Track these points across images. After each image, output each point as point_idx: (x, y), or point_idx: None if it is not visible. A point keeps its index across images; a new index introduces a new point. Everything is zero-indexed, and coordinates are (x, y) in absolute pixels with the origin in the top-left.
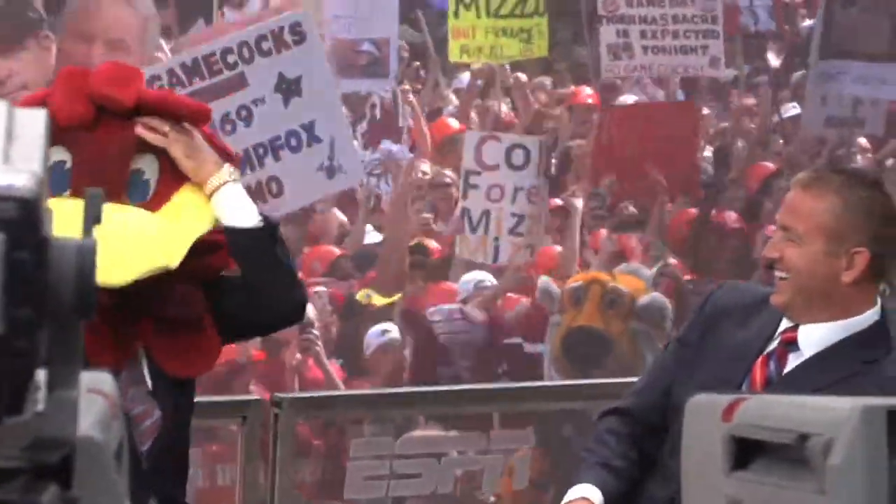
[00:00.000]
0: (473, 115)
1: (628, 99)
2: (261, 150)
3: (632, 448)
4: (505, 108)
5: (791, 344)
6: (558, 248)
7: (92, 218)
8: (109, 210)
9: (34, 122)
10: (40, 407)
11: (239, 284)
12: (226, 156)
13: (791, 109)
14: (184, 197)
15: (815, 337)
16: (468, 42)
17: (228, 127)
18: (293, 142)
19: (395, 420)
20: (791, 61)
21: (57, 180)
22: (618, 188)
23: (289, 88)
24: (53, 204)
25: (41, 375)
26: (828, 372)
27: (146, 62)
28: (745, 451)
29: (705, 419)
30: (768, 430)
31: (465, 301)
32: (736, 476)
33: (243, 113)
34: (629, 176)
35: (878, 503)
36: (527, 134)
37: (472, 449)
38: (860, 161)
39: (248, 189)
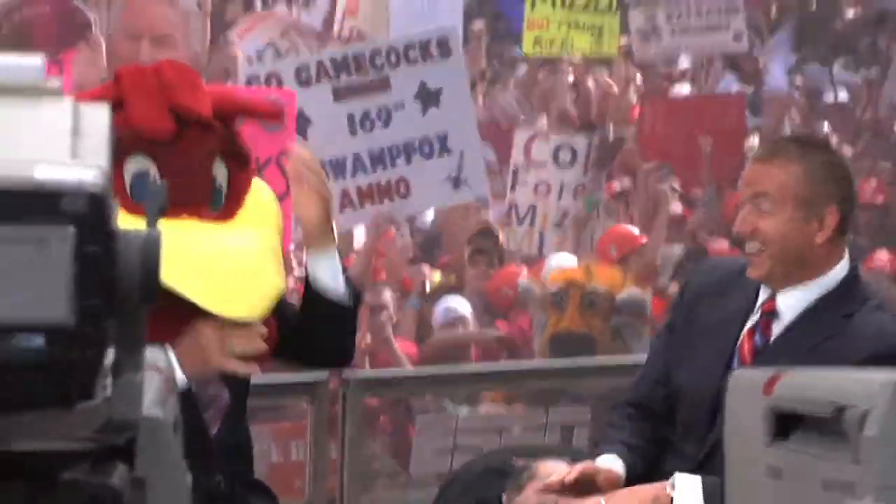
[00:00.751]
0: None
1: (682, 90)
2: (395, 152)
3: (645, 431)
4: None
5: (771, 313)
6: (634, 230)
7: (156, 210)
8: (208, 232)
9: (98, 117)
10: (108, 392)
11: (296, 319)
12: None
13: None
14: (253, 200)
15: (793, 301)
16: (542, 34)
17: (368, 125)
18: (426, 149)
19: (459, 396)
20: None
21: (142, 189)
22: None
23: (428, 98)
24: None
25: (108, 361)
26: (810, 334)
27: (190, 57)
28: (785, 423)
29: (747, 393)
30: (807, 403)
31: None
32: (776, 446)
33: (383, 115)
34: (676, 166)
35: None
36: (582, 129)
37: (533, 425)
38: None
39: (378, 186)
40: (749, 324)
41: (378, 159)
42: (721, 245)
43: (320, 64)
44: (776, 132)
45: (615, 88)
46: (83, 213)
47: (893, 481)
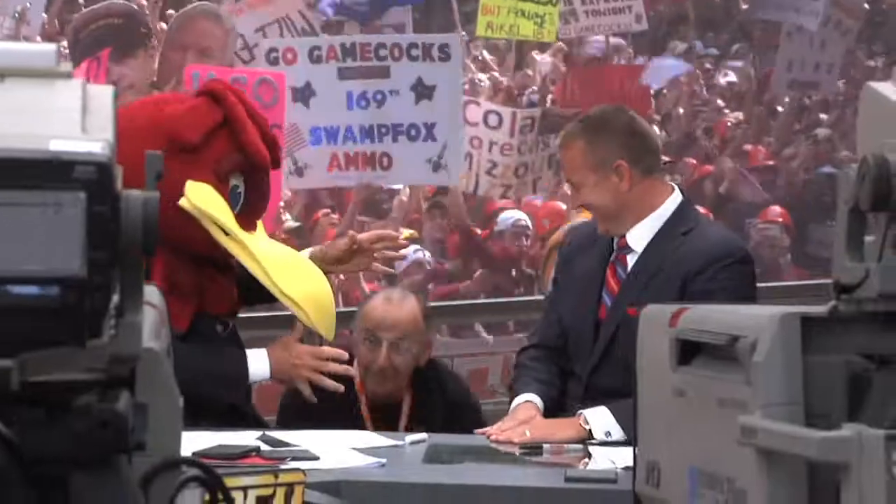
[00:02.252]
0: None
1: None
2: (383, 129)
3: (551, 365)
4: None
5: (624, 248)
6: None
7: (154, 175)
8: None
9: (104, 97)
10: (114, 331)
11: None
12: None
13: (729, 75)
14: None
15: (638, 235)
16: (493, 19)
17: (363, 103)
18: (413, 132)
19: None
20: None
21: (234, 200)
22: None
23: (423, 91)
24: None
25: (113, 304)
26: (658, 255)
27: (226, 65)
28: (687, 351)
29: (656, 325)
30: (706, 333)
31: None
32: (680, 371)
33: (378, 96)
34: None
35: (793, 392)
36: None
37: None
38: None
39: (364, 155)
40: (609, 261)
41: (367, 133)
42: None
43: (331, 47)
44: (675, 103)
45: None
46: (92, 180)
47: (777, 399)
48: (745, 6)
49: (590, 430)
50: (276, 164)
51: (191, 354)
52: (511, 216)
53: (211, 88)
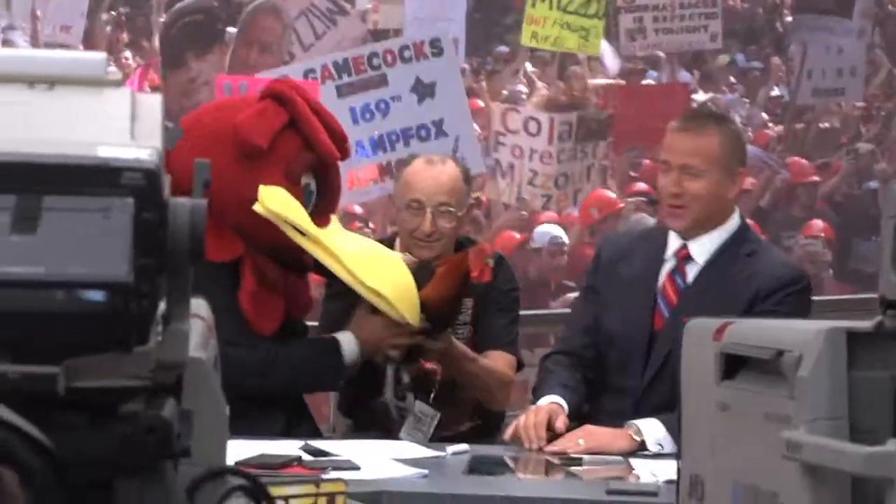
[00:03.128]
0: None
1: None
2: (393, 137)
3: (578, 373)
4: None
5: (686, 258)
6: (612, 194)
7: (202, 183)
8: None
9: (153, 105)
10: (160, 337)
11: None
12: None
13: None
14: None
15: (703, 247)
16: (538, 29)
17: (368, 115)
18: (423, 133)
19: None
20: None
21: (307, 198)
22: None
23: (424, 90)
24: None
25: (160, 311)
26: (722, 272)
27: (281, 61)
28: (732, 365)
29: (700, 339)
30: (751, 347)
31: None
32: (724, 385)
33: (382, 106)
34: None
35: (837, 407)
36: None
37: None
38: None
39: (381, 167)
40: (666, 270)
41: (378, 144)
42: None
43: (325, 66)
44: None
45: (588, 79)
46: (140, 186)
47: (821, 414)
48: (781, 26)
49: (642, 442)
50: (346, 154)
51: (291, 354)
52: (547, 232)
53: (274, 90)
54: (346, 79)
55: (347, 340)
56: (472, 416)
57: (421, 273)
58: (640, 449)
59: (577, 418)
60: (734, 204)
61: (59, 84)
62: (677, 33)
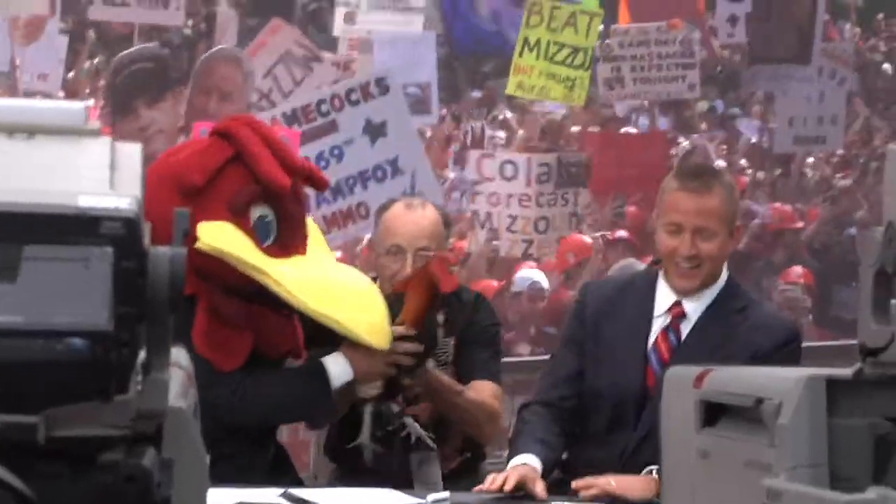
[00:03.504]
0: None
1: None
2: (351, 181)
3: (556, 426)
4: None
5: (679, 316)
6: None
7: (182, 232)
8: (326, 266)
9: (132, 155)
10: (139, 387)
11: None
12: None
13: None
14: (311, 232)
15: (697, 304)
16: (525, 79)
17: (323, 163)
18: (379, 174)
19: None
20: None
21: (264, 231)
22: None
23: (375, 131)
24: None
25: (140, 360)
26: (716, 328)
27: (244, 109)
28: (712, 412)
29: (680, 387)
30: (731, 395)
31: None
32: (705, 432)
33: (335, 152)
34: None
35: (818, 454)
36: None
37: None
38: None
39: (341, 213)
40: (659, 326)
41: (337, 191)
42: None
43: (275, 119)
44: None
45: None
46: (120, 235)
47: (802, 461)
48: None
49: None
50: (319, 185)
51: (262, 383)
52: (528, 277)
53: (220, 127)
54: (295, 128)
55: (336, 362)
56: (461, 450)
57: (395, 303)
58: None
59: (557, 466)
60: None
61: (39, 133)
62: (655, 83)
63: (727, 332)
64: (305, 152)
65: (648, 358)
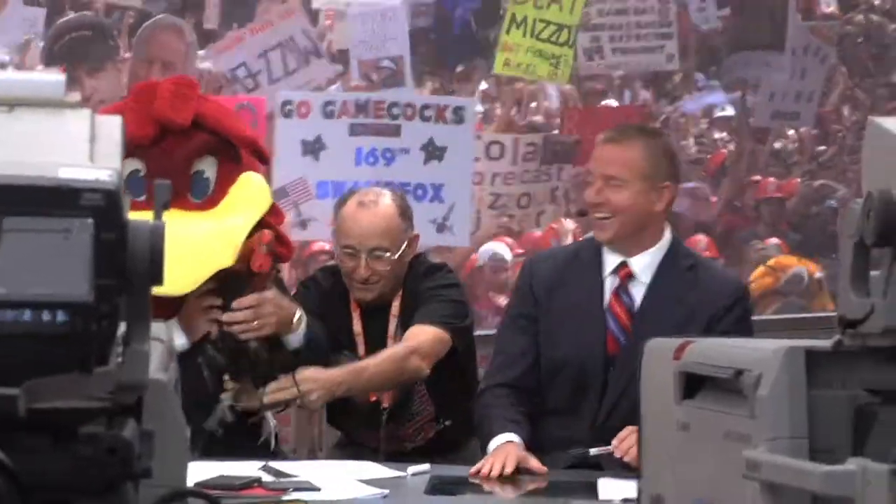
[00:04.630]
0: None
1: (611, 104)
2: (390, 188)
3: (520, 406)
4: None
5: (628, 278)
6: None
7: (161, 204)
8: (170, 220)
9: (112, 127)
10: (120, 358)
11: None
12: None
13: (727, 109)
14: (238, 189)
15: (644, 264)
16: (511, 56)
17: (372, 160)
18: (419, 192)
19: None
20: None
21: (134, 186)
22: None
23: (433, 151)
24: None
25: (120, 332)
26: (669, 287)
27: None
28: (692, 384)
29: (659, 359)
30: (710, 367)
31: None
32: (684, 404)
33: (388, 154)
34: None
35: (797, 426)
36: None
37: None
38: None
39: None
40: (610, 289)
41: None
42: None
43: (345, 103)
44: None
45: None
46: (100, 207)
47: (781, 433)
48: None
49: None
50: (242, 142)
51: None
52: (489, 249)
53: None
54: (361, 118)
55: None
56: (435, 418)
57: (234, 283)
58: None
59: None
60: (664, 218)
61: (19, 106)
62: (635, 53)
63: (681, 292)
64: (359, 144)
65: (606, 323)
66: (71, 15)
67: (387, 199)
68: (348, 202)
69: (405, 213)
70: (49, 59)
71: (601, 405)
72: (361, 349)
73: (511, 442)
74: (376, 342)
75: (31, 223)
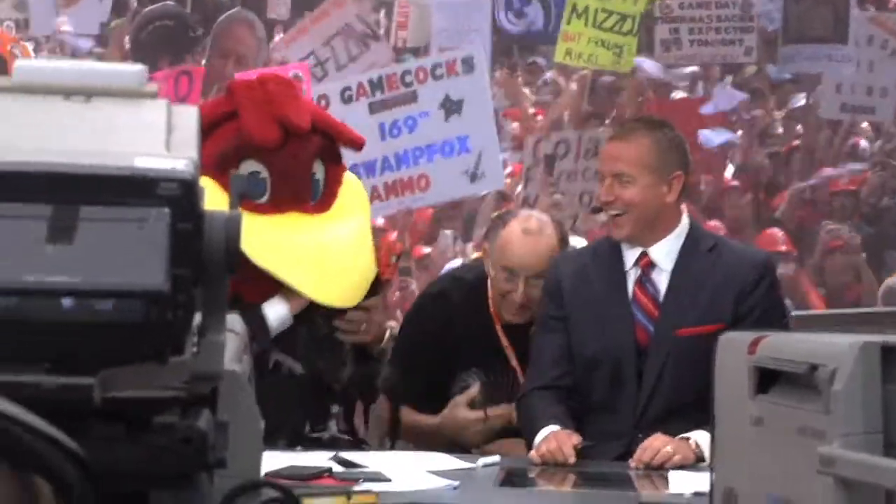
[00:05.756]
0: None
1: (677, 95)
2: (418, 153)
3: (561, 405)
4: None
5: (649, 266)
6: None
7: (238, 195)
8: (310, 225)
9: (189, 116)
10: (195, 349)
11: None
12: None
13: (800, 100)
14: (347, 190)
15: (664, 252)
16: (573, 46)
17: (395, 131)
18: (447, 148)
19: None
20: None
21: (255, 187)
22: None
23: (452, 107)
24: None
25: (196, 322)
26: (691, 272)
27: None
28: (766, 379)
29: (734, 353)
30: (785, 362)
31: None
32: (758, 399)
33: (409, 122)
34: None
35: (872, 421)
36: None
37: None
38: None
39: (401, 182)
40: (632, 279)
41: (403, 160)
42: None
43: (360, 85)
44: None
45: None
46: (176, 197)
47: (856, 429)
48: (773, 64)
49: (700, 454)
50: (349, 144)
51: None
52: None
53: (228, 83)
54: (378, 96)
55: (272, 303)
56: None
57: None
58: (699, 461)
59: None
60: (679, 207)
61: (96, 96)
62: (713, 45)
63: (704, 273)
64: (381, 119)
65: (633, 314)
66: (155, 5)
67: (548, 230)
68: (511, 226)
69: (564, 238)
70: (135, 47)
71: (639, 396)
72: (514, 361)
73: (558, 429)
74: (523, 356)
75: (107, 213)
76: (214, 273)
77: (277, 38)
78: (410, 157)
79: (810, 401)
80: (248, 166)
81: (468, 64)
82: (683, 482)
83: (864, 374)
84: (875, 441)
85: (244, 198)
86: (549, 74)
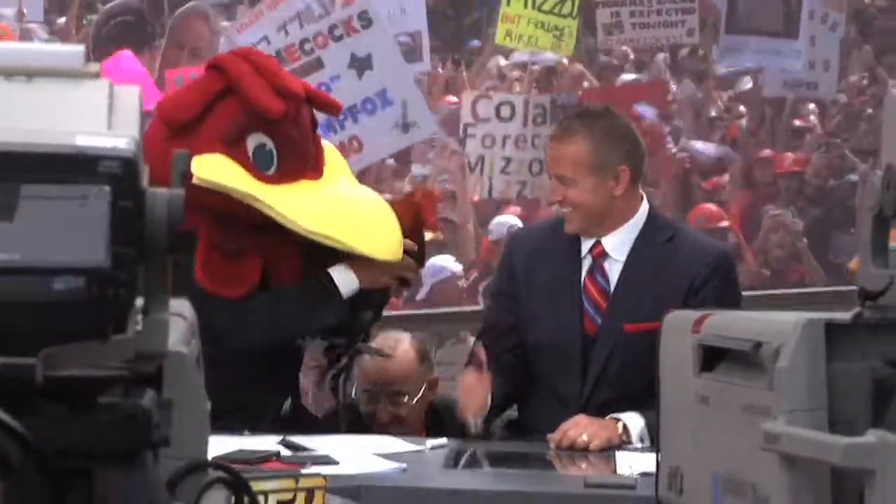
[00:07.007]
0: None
1: (626, 77)
2: (341, 117)
3: (501, 377)
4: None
5: (601, 256)
6: None
7: (180, 173)
8: (314, 188)
9: (130, 96)
10: (139, 327)
11: None
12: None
13: (746, 83)
14: (329, 154)
15: (617, 242)
16: (512, 28)
17: None
18: (369, 106)
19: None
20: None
21: (264, 159)
22: None
23: (361, 64)
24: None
25: (139, 302)
26: (644, 264)
27: None
28: (711, 357)
29: (678, 332)
30: (729, 339)
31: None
32: (704, 377)
33: (323, 88)
34: None
35: (816, 398)
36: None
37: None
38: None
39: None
40: (584, 270)
41: (328, 127)
42: None
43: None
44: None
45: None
46: (117, 175)
47: (800, 405)
48: (715, 59)
49: (626, 436)
50: (329, 109)
51: (263, 301)
52: (504, 222)
53: (213, 60)
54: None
55: (340, 272)
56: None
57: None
58: (624, 443)
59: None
60: (634, 195)
61: (37, 76)
62: (654, 28)
63: (657, 265)
64: None
65: (583, 304)
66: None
67: (405, 343)
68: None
69: (425, 356)
70: (97, 42)
71: (584, 385)
72: None
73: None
74: None
75: (48, 190)
76: (156, 252)
77: (228, 24)
78: (336, 124)
79: (755, 378)
80: (256, 139)
81: (365, 18)
82: (631, 462)
83: (809, 352)
84: (819, 418)
85: (185, 176)
86: (502, 62)
